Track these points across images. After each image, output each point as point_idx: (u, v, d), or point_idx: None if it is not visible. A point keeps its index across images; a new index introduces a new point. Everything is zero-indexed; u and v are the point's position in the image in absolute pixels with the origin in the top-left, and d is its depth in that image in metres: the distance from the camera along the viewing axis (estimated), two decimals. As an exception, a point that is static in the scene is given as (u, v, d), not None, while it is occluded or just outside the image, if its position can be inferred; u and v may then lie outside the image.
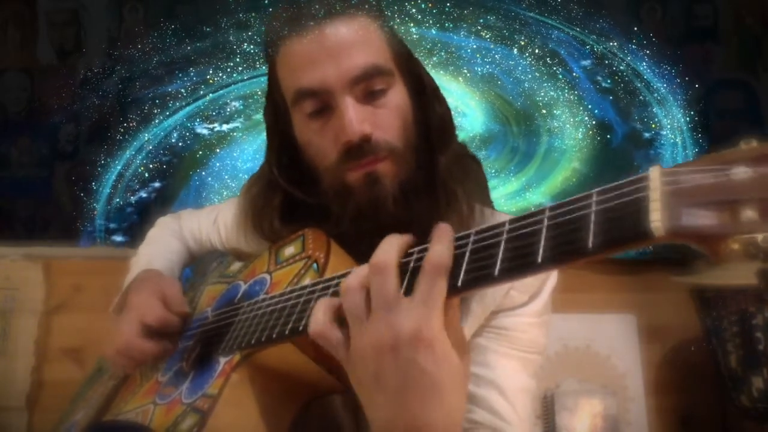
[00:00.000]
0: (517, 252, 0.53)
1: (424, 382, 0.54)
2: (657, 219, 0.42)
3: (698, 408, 1.92)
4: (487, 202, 1.00)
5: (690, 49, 2.51)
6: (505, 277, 0.53)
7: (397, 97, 0.87)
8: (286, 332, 0.70)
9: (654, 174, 0.45)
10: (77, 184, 2.35)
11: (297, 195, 0.94)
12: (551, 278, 0.93)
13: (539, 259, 0.50)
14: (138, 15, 2.54)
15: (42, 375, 1.89)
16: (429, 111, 0.92)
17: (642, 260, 1.99)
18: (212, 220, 1.17)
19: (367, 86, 0.84)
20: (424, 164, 0.89)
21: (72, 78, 2.48)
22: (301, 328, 0.69)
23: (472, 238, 0.58)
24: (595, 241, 0.46)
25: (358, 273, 0.59)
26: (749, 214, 0.39)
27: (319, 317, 0.60)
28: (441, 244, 0.56)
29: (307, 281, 0.77)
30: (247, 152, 2.26)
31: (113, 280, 1.12)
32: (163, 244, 1.19)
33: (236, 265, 1.04)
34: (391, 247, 0.58)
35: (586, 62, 2.16)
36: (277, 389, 0.78)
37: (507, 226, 0.55)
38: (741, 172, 0.40)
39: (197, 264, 1.20)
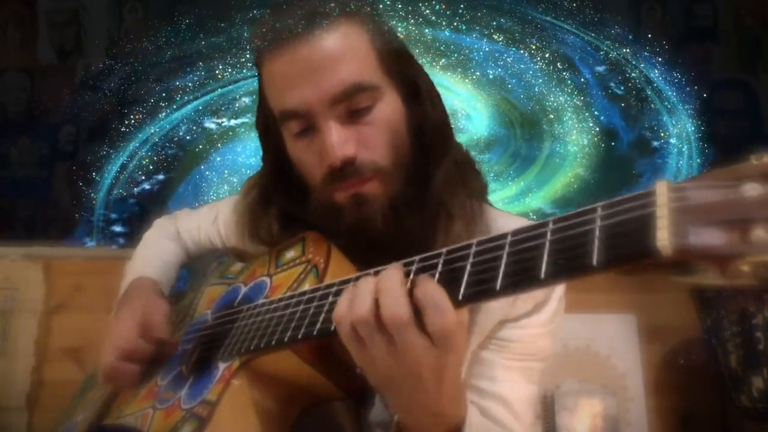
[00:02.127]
0: (519, 266, 0.52)
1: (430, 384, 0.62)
2: (664, 238, 0.41)
3: (698, 408, 1.91)
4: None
5: (690, 49, 2.51)
6: (507, 291, 0.52)
7: (385, 110, 0.83)
8: (285, 340, 0.70)
9: (661, 189, 0.44)
10: (77, 184, 2.35)
11: (293, 211, 0.93)
12: (558, 287, 0.90)
13: (542, 275, 0.49)
14: (138, 15, 2.53)
15: (42, 375, 1.88)
16: (423, 116, 0.88)
17: (642, 260, 1.98)
18: (212, 219, 1.15)
19: (349, 105, 0.80)
20: (418, 175, 0.86)
21: (72, 78, 2.48)
22: (300, 336, 0.69)
23: (473, 250, 0.57)
24: (599, 258, 0.46)
25: (365, 303, 0.61)
26: (760, 234, 0.37)
27: (343, 308, 0.63)
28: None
29: (306, 287, 0.77)
30: (250, 148, 2.25)
31: (113, 280, 1.12)
32: (158, 246, 1.18)
33: (237, 266, 1.03)
34: (394, 270, 0.62)
35: (601, 68, 2.14)
36: (276, 396, 0.78)
37: (509, 239, 0.55)
38: (752, 189, 0.39)
39: (197, 263, 1.19)
